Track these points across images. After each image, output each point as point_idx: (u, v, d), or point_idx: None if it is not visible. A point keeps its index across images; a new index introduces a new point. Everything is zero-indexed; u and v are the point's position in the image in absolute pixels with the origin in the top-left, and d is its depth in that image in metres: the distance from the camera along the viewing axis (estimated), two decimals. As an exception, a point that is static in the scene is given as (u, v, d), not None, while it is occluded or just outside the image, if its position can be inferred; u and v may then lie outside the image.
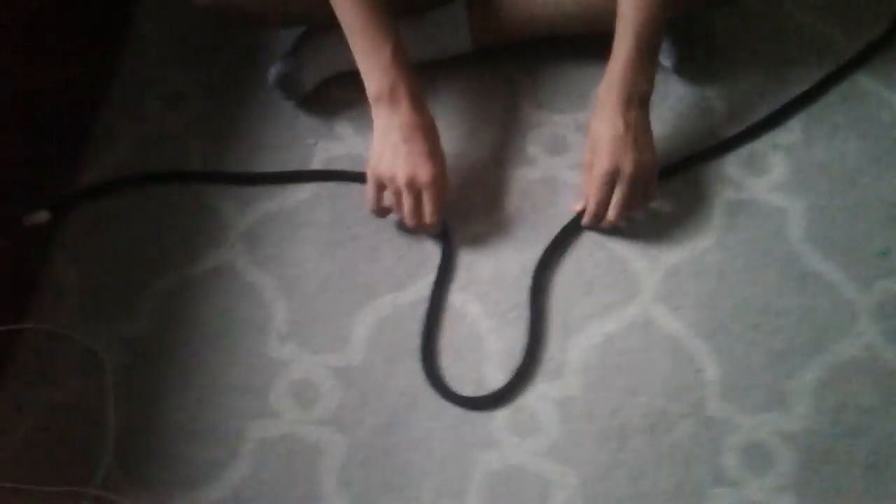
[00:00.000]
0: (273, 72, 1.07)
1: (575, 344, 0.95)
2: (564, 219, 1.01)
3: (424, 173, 0.94)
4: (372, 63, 0.93)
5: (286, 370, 0.94)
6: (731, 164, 1.05)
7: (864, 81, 1.10)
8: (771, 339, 0.94)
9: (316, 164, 1.07)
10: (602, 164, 0.94)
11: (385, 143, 0.95)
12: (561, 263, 0.99)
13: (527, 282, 0.97)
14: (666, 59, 1.09)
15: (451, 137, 1.06)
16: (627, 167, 0.93)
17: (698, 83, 1.11)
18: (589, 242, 1.00)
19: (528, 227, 1.02)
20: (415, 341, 0.95)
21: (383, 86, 0.93)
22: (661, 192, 0.99)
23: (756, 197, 1.03)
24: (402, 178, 0.94)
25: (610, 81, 0.95)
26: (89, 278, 0.99)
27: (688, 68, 1.11)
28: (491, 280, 0.99)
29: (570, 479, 0.88)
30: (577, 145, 1.06)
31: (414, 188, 0.94)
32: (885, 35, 1.13)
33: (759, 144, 1.06)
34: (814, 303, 0.96)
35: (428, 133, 0.95)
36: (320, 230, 1.02)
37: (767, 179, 1.04)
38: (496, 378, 0.92)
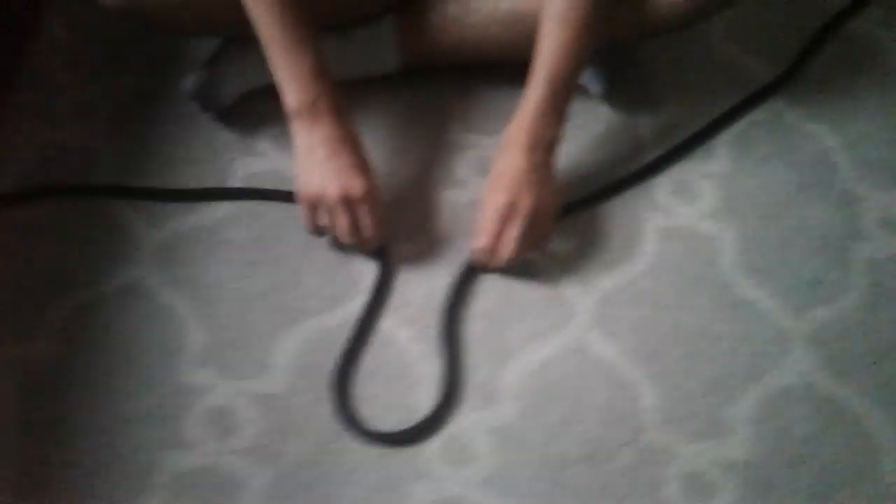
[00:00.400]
0: (189, 82, 1.01)
1: (509, 370, 0.91)
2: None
3: (357, 187, 0.89)
4: (291, 75, 0.89)
5: (201, 397, 0.87)
6: (662, 192, 1.04)
7: (786, 113, 1.11)
8: (707, 365, 0.92)
9: (236, 181, 1.01)
10: (499, 198, 0.91)
11: (310, 161, 0.90)
12: (492, 288, 0.95)
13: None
14: (594, 86, 1.08)
15: (378, 157, 1.01)
16: (525, 204, 0.91)
17: (626, 111, 1.10)
18: (518, 269, 0.97)
19: (457, 251, 0.98)
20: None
21: (303, 100, 0.89)
22: (572, 229, 0.99)
23: (687, 224, 1.02)
24: (333, 195, 0.89)
25: (519, 125, 0.93)
26: (-19, 297, 0.91)
27: (616, 96, 1.10)
28: (421, 304, 0.94)
29: (507, 512, 0.83)
30: (507, 169, 1.04)
31: (348, 204, 0.90)
32: (796, 60, 1.16)
33: (689, 174, 1.05)
34: (748, 330, 0.94)
35: (354, 145, 0.92)
36: (240, 249, 0.96)
37: (698, 207, 1.03)
38: (426, 406, 0.88)
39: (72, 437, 0.84)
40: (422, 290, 0.95)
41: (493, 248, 0.93)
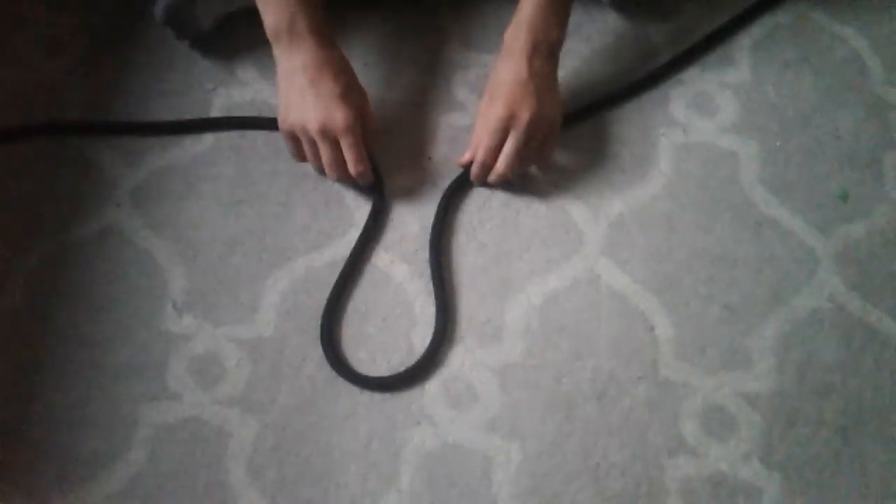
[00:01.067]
0: (161, 7, 0.93)
1: (514, 305, 0.85)
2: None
3: (338, 118, 0.83)
4: None
5: (185, 345, 0.82)
6: (677, 106, 0.96)
7: (815, 16, 1.02)
8: (726, 292, 0.85)
9: (216, 112, 0.94)
10: (497, 110, 0.85)
11: (290, 88, 0.84)
12: (493, 216, 0.89)
13: (457, 239, 0.88)
14: (603, -8, 1.00)
15: (370, 82, 0.94)
16: (524, 115, 0.84)
17: (638, 18, 1.02)
18: (522, 193, 0.90)
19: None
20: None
21: (281, 19, 0.82)
22: (579, 148, 0.92)
23: (705, 140, 0.94)
24: (314, 126, 0.83)
25: (517, 26, 0.87)
26: (-49, 247, 0.85)
27: (625, 2, 1.02)
28: (417, 238, 0.88)
29: (513, 455, 0.78)
30: (508, 88, 0.96)
31: (329, 136, 0.83)
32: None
33: (707, 84, 0.97)
34: (771, 252, 0.87)
35: (337, 70, 0.84)
36: (222, 186, 0.90)
37: (716, 121, 0.95)
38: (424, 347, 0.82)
39: (49, 391, 0.79)
40: (418, 223, 0.89)
41: (490, 162, 0.87)
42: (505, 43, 0.88)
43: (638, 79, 0.97)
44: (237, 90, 0.95)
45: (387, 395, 0.80)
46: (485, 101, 0.88)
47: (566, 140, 0.92)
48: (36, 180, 0.89)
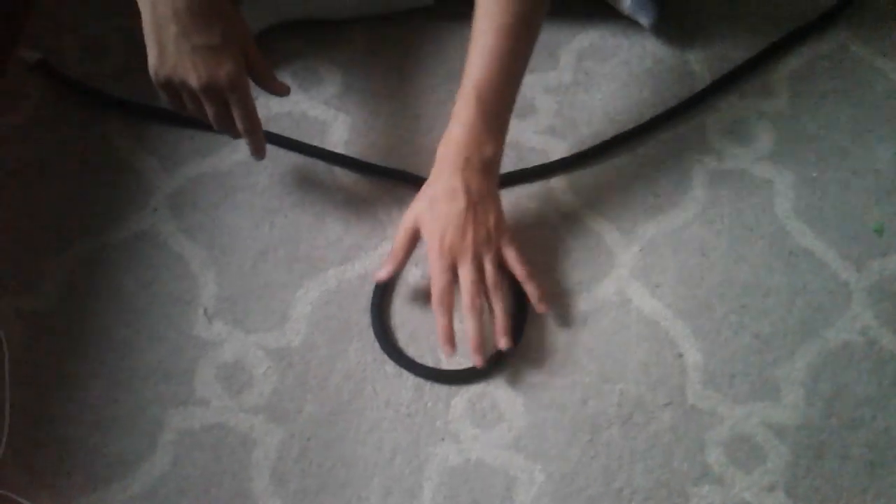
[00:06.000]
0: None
1: (542, 325, 0.84)
2: (529, 188, 0.91)
3: (222, 74, 0.75)
4: None
5: (215, 351, 0.82)
6: (714, 133, 0.95)
7: (854, 48, 1.01)
8: (758, 321, 0.85)
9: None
10: (434, 245, 0.79)
11: (162, 36, 0.74)
12: (528, 235, 0.89)
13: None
14: (642, 17, 0.99)
15: (406, 98, 0.95)
16: (467, 247, 0.79)
17: (676, 43, 1.01)
18: (555, 215, 0.90)
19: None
20: (363, 319, 0.84)
21: None
22: (615, 173, 0.90)
23: (740, 167, 0.93)
24: (195, 84, 0.75)
25: (447, 142, 0.81)
26: (-11, 245, 0.87)
27: (665, 28, 1.02)
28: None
29: (536, 475, 0.78)
30: (544, 109, 0.96)
31: (214, 94, 0.77)
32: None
33: (744, 112, 0.97)
34: (804, 283, 0.87)
35: (214, 15, 0.74)
36: (257, 195, 0.90)
37: (752, 149, 0.94)
38: (455, 362, 0.82)
39: (79, 393, 0.80)
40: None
41: (445, 301, 0.79)
42: (437, 155, 0.82)
43: (674, 106, 0.96)
44: (276, 101, 0.96)
45: (412, 411, 0.80)
46: (426, 231, 0.81)
47: (601, 166, 0.92)
48: (75, 183, 0.90)
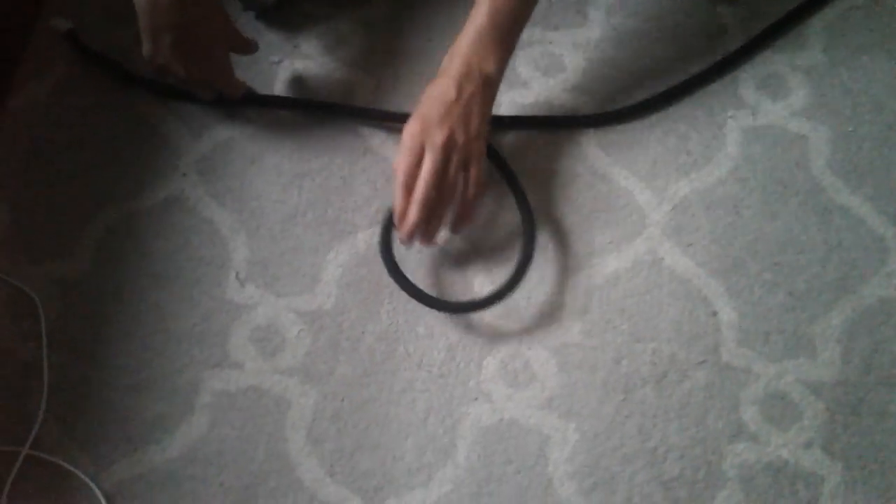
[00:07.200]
0: (228, -22, 0.93)
1: (574, 285, 0.84)
2: (559, 147, 0.90)
3: (212, 72, 0.85)
4: None
5: (248, 315, 0.83)
6: (746, 88, 0.94)
7: (891, -2, 0.99)
8: (792, 278, 0.84)
9: (279, 85, 0.94)
10: (412, 124, 0.80)
11: (159, 41, 0.80)
12: (559, 196, 0.88)
13: (517, 217, 0.86)
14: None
15: (433, 60, 0.93)
16: (440, 133, 0.78)
17: (708, -2, 1.00)
18: (586, 174, 0.89)
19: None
20: (393, 281, 0.84)
21: None
22: (645, 131, 0.87)
23: (774, 123, 0.92)
24: (186, 77, 0.84)
25: (451, 54, 0.82)
26: (21, 213, 0.87)
27: (696, -18, 1.00)
28: (477, 216, 0.87)
29: (570, 434, 0.78)
30: (573, 66, 0.95)
31: (203, 83, 0.87)
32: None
33: (778, 66, 0.95)
34: (839, 239, 0.86)
35: (208, 23, 0.82)
36: (285, 159, 0.90)
37: (786, 104, 0.93)
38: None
39: (115, 355, 0.80)
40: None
41: (411, 185, 0.79)
42: (441, 65, 0.83)
43: (709, 66, 0.94)
44: (301, 63, 0.95)
45: (444, 371, 0.80)
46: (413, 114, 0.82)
47: (632, 123, 0.91)
48: (104, 150, 0.90)
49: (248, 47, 0.90)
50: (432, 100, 0.80)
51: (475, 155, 0.80)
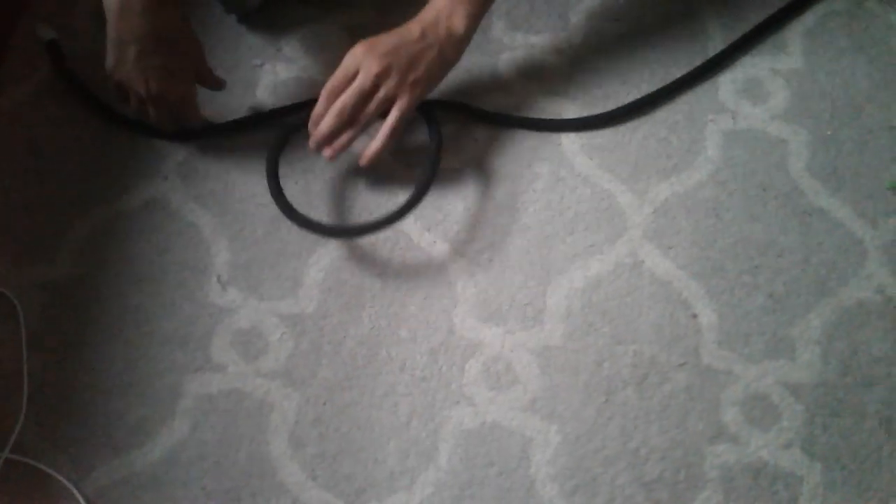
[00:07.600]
0: (210, -19, 0.93)
1: (555, 288, 0.84)
2: (541, 150, 0.91)
3: (174, 95, 0.84)
4: None
5: (230, 318, 0.83)
6: (727, 91, 0.95)
7: (870, 4, 1.00)
8: (772, 281, 0.85)
9: (262, 89, 0.94)
10: (358, 45, 0.82)
11: (124, 54, 0.81)
12: (542, 198, 0.88)
13: (500, 220, 0.87)
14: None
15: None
16: (375, 66, 0.81)
17: (688, 2, 1.00)
18: (568, 177, 0.90)
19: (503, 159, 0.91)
20: (375, 285, 0.84)
21: None
22: (625, 134, 0.88)
23: (754, 126, 0.93)
24: (146, 96, 0.83)
25: (425, 9, 0.85)
26: (1, 216, 0.86)
27: (677, -13, 1.01)
28: (461, 218, 0.88)
29: (552, 437, 0.78)
30: (554, 70, 0.96)
31: (162, 106, 0.85)
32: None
33: (758, 70, 0.96)
34: (818, 242, 0.86)
35: (173, 41, 0.82)
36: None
37: (766, 108, 0.94)
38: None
39: (96, 361, 0.80)
40: (462, 203, 0.88)
41: (333, 99, 0.83)
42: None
43: (690, 71, 0.95)
44: (283, 67, 0.95)
45: (426, 374, 0.81)
46: None
47: (613, 127, 0.92)
48: (86, 153, 0.90)
49: (216, 83, 0.89)
50: (391, 34, 0.83)
51: (404, 101, 0.83)
